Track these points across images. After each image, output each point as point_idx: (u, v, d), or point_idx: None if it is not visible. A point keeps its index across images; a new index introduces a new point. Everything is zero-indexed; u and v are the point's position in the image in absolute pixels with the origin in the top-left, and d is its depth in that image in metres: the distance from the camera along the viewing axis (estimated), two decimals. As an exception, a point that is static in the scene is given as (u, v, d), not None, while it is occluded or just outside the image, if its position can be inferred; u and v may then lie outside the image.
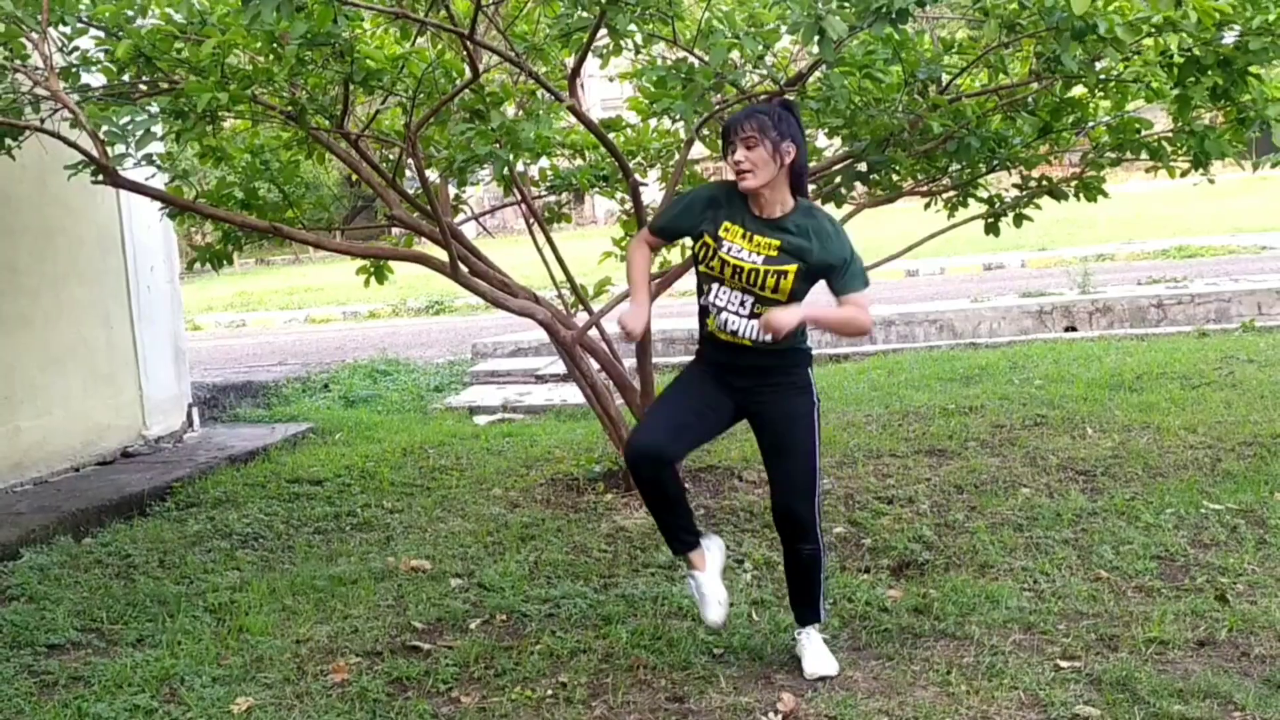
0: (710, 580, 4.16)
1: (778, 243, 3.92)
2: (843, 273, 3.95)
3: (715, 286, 4.01)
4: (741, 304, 3.97)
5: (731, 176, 4.01)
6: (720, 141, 4.01)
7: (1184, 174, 6.28)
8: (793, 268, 3.90)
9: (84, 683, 4.40)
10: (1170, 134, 6.16)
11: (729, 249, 3.95)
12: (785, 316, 3.81)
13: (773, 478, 4.18)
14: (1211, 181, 6.47)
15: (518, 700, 4.07)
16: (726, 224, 3.97)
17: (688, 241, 4.33)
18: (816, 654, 4.20)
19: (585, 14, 5.29)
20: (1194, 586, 4.78)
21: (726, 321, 4.00)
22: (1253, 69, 5.33)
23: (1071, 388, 8.64)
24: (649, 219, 6.41)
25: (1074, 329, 12.89)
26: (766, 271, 3.91)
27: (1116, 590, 4.80)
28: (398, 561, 5.66)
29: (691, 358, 4.27)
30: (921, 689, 4.01)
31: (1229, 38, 5.19)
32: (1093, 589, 4.81)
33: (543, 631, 4.67)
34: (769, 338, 3.89)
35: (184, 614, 5.07)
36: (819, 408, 4.15)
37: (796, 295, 3.94)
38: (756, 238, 3.94)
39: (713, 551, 4.21)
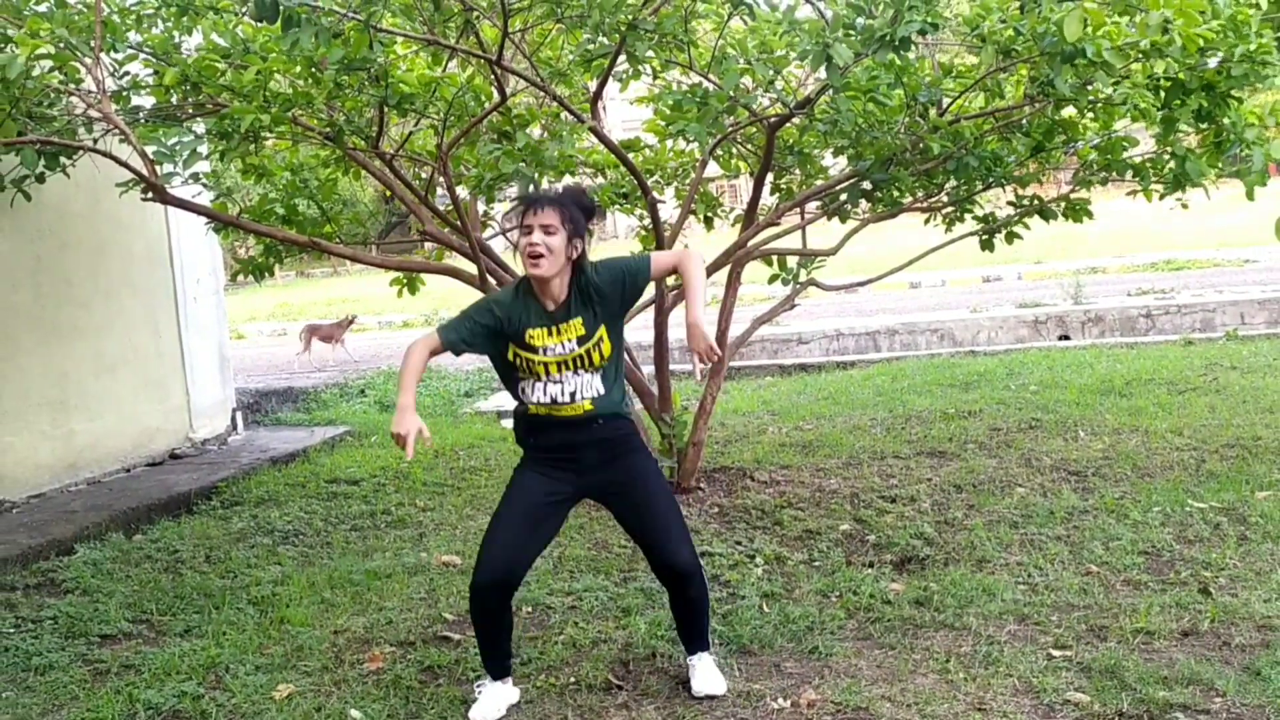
0: (504, 697, 3.93)
1: (579, 320, 3.71)
2: (634, 271, 3.76)
3: (536, 383, 3.75)
4: (575, 374, 3.74)
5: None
6: (517, 218, 3.73)
7: (1162, 197, 6.26)
8: (601, 329, 3.73)
9: (134, 671, 4.44)
10: (1153, 155, 6.15)
11: (545, 351, 3.70)
12: (705, 331, 3.54)
13: (651, 538, 3.84)
14: (1185, 206, 6.46)
15: (542, 687, 4.08)
16: (530, 331, 3.70)
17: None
18: (707, 673, 3.99)
19: (606, 41, 5.31)
20: (1179, 580, 4.77)
21: (560, 393, 3.73)
22: (1234, 93, 5.32)
23: (1065, 393, 8.61)
24: (665, 234, 6.47)
25: (1067, 338, 12.87)
26: (587, 350, 3.72)
27: (1106, 584, 4.79)
28: (430, 557, 5.68)
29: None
30: (922, 676, 4.00)
31: (1212, 63, 5.18)
32: (1083, 582, 4.80)
33: (566, 623, 4.68)
34: (712, 359, 3.54)
35: (228, 606, 5.10)
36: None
37: (617, 345, 3.78)
38: (561, 328, 3.71)
39: (510, 691, 3.98)
